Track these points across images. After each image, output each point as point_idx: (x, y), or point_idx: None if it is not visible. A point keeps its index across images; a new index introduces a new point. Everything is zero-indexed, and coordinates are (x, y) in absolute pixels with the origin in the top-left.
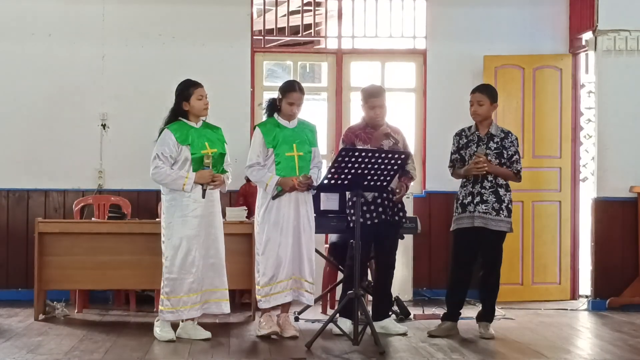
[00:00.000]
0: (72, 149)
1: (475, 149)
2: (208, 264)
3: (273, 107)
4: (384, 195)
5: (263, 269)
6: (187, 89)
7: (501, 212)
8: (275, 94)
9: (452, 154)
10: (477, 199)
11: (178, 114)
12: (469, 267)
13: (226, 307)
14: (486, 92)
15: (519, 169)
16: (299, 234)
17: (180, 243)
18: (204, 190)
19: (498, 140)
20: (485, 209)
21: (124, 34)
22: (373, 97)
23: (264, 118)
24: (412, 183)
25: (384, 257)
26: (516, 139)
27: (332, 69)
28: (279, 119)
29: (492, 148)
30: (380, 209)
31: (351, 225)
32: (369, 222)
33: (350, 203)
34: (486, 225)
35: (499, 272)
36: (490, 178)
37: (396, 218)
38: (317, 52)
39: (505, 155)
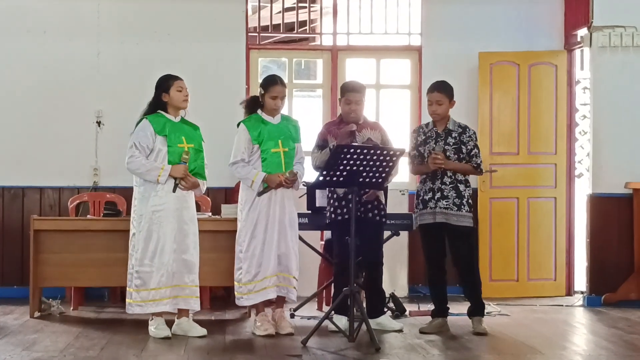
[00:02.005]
0: (67, 146)
1: (434, 145)
2: (179, 259)
3: (253, 104)
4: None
5: (247, 266)
6: (166, 81)
7: (462, 207)
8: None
9: (410, 150)
10: (438, 194)
11: (157, 106)
12: (439, 262)
13: (195, 304)
14: (444, 92)
15: (478, 162)
16: (285, 230)
17: (151, 236)
18: (175, 185)
19: (456, 135)
20: (447, 205)
21: (119, 31)
22: (351, 91)
23: (243, 117)
24: (391, 179)
25: (368, 254)
26: (474, 133)
27: (327, 66)
28: (262, 115)
29: (451, 144)
30: (351, 205)
31: (327, 222)
32: (339, 218)
33: (327, 199)
34: (448, 220)
35: (475, 267)
36: (449, 174)
37: (370, 215)
38: (312, 49)
39: (463, 150)
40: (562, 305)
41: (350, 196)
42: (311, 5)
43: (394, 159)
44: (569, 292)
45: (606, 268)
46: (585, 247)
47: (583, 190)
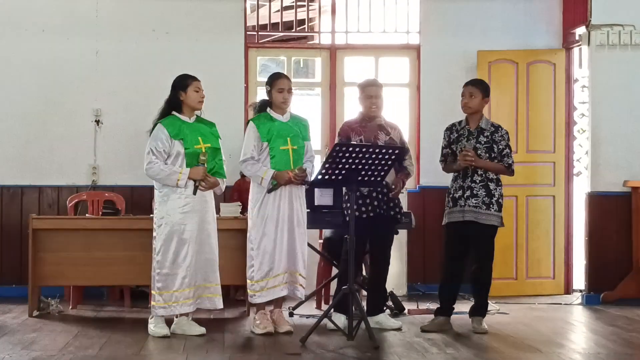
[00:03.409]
0: (66, 145)
1: (465, 143)
2: (202, 259)
3: (263, 107)
4: (379, 189)
5: (258, 263)
6: (185, 80)
7: (491, 206)
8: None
9: (443, 148)
10: (468, 193)
11: (173, 104)
12: (460, 261)
13: (219, 303)
14: (479, 86)
15: (510, 162)
16: (293, 228)
17: (172, 238)
18: (195, 187)
19: (488, 134)
20: (476, 203)
21: (117, 30)
22: (369, 86)
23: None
24: (409, 179)
25: (378, 252)
26: (506, 132)
27: (325, 64)
28: (272, 113)
29: (482, 142)
30: (376, 203)
31: (347, 219)
32: (364, 216)
33: (346, 197)
34: (476, 219)
35: (491, 267)
36: (480, 172)
37: (392, 213)
38: (311, 48)
39: (495, 150)
40: (561, 304)
41: (374, 194)
42: (310, 3)
43: (393, 157)
44: (568, 290)
45: (605, 266)
46: (583, 246)
47: (582, 188)
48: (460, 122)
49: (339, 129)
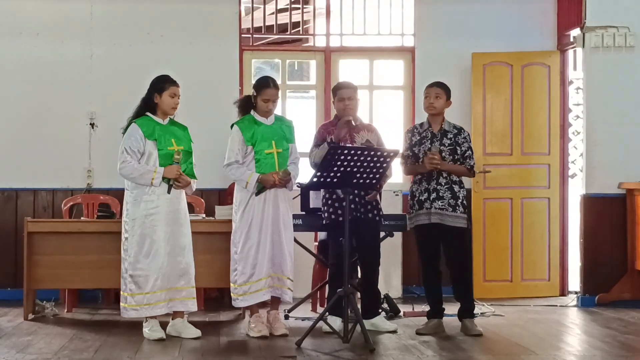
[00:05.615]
0: (61, 148)
1: (430, 146)
2: (174, 262)
3: (246, 105)
4: (355, 192)
5: (242, 267)
6: (162, 82)
7: (457, 208)
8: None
9: (404, 151)
10: (433, 195)
11: (147, 105)
12: (434, 263)
13: (193, 306)
14: (443, 88)
15: (472, 164)
16: (279, 231)
17: (145, 239)
18: (170, 186)
19: (451, 136)
20: (442, 205)
21: (112, 33)
22: (342, 89)
23: (237, 117)
24: (386, 181)
25: (367, 255)
26: (469, 134)
27: (320, 67)
28: (256, 116)
29: (446, 144)
30: (353, 206)
31: (325, 222)
32: (340, 219)
33: (324, 200)
34: (442, 221)
35: (468, 267)
36: (444, 175)
37: (370, 215)
38: (306, 50)
39: (458, 152)
40: (556, 306)
41: (350, 197)
42: (304, 6)
43: (388, 160)
44: (563, 292)
45: (600, 268)
46: (578, 248)
47: (576, 190)
48: (421, 125)
49: (315, 132)
